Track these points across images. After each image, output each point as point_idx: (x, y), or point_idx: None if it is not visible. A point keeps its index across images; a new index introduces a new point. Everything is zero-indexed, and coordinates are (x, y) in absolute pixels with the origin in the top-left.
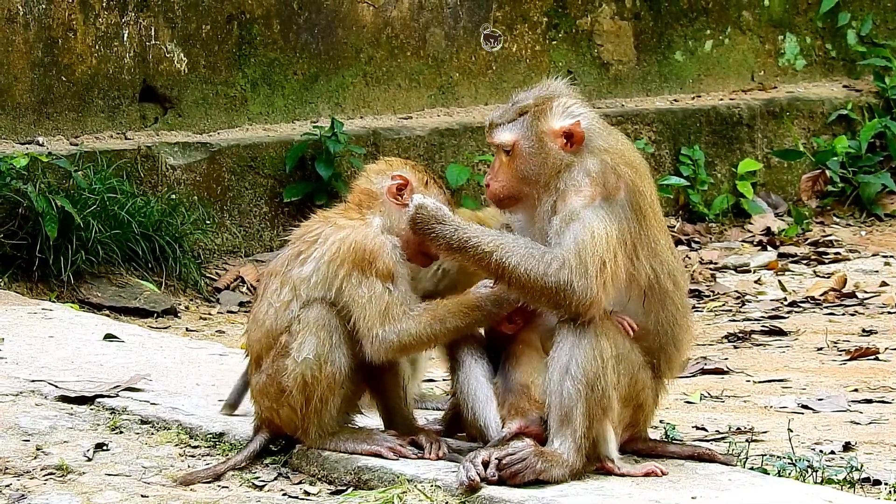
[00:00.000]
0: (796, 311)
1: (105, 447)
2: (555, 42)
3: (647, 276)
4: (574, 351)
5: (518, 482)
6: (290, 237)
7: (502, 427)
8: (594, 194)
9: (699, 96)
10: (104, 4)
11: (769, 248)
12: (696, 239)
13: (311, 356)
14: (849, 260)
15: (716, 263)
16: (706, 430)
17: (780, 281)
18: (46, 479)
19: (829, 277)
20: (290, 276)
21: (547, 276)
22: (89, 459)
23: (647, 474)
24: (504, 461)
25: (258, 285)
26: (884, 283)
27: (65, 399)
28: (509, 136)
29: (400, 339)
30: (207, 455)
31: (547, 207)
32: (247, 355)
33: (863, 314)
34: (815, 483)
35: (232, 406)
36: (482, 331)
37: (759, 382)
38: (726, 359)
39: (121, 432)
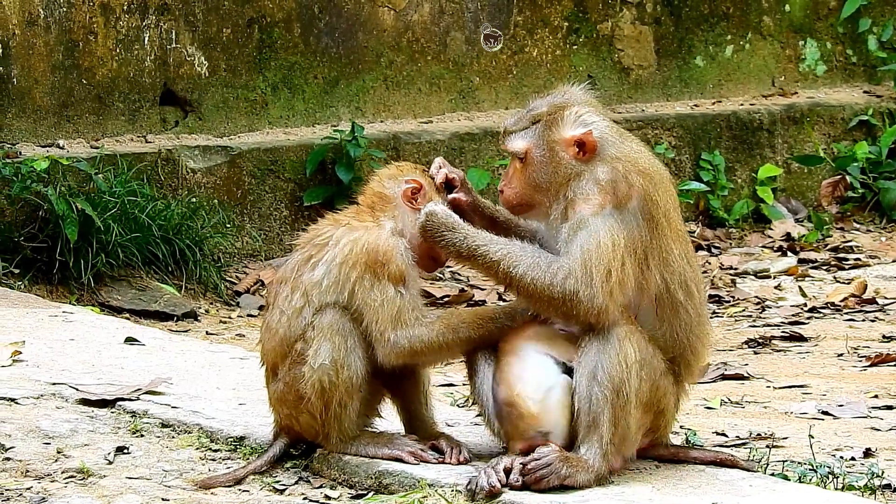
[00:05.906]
0: (816, 317)
1: (126, 450)
2: (575, 47)
3: (656, 286)
4: (600, 356)
5: (542, 487)
6: (299, 242)
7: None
8: (603, 202)
9: (719, 101)
10: (125, 7)
11: (789, 253)
12: (716, 244)
13: (327, 362)
14: (869, 266)
15: (736, 269)
16: (726, 436)
17: (800, 287)
18: (67, 483)
19: (849, 283)
20: (302, 282)
21: (553, 286)
22: (110, 463)
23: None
24: (529, 466)
25: (268, 294)
26: None
27: (86, 402)
28: (522, 144)
29: (412, 345)
30: (228, 459)
31: (557, 215)
32: (262, 364)
33: (883, 320)
34: (836, 489)
35: None
36: None
37: (780, 388)
38: (746, 364)
39: (141, 436)
